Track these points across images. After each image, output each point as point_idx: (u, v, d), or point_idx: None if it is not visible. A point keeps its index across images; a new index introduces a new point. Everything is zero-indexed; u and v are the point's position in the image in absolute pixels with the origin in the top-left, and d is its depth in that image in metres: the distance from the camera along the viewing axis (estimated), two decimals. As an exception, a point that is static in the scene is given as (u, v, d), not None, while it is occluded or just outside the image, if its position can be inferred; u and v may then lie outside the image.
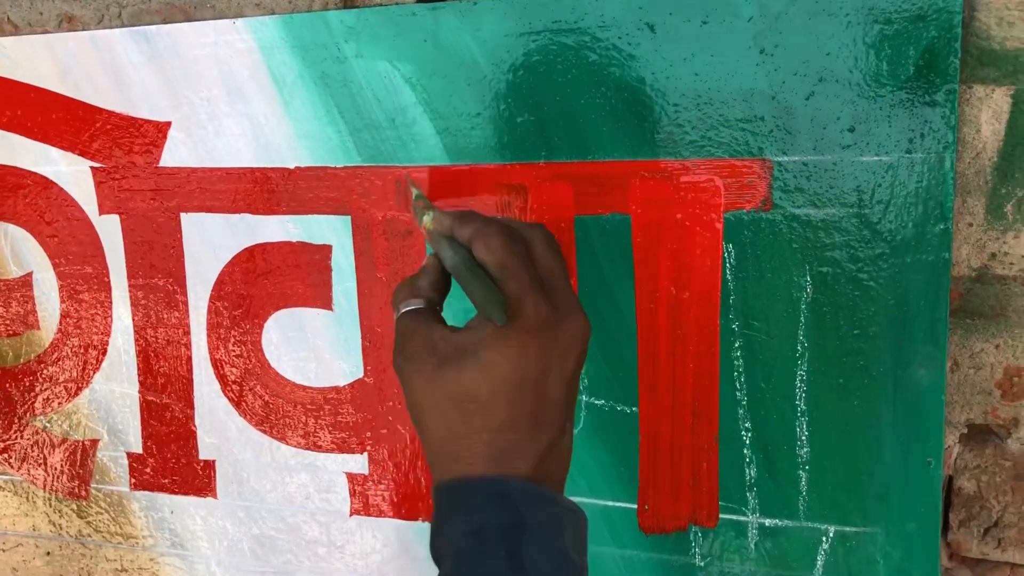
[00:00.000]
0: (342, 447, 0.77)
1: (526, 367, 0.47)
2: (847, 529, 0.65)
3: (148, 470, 0.84)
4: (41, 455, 0.88)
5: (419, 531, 0.76)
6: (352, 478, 0.77)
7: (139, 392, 0.83)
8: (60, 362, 0.86)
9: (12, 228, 0.84)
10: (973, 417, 0.65)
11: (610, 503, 0.70)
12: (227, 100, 0.75)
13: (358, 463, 0.77)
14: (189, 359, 0.81)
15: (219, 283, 0.78)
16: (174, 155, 0.77)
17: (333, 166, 0.73)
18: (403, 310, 0.53)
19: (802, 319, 0.63)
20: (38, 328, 0.86)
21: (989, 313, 0.63)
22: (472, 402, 0.47)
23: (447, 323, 0.53)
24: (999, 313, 0.63)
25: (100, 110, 0.79)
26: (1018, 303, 0.63)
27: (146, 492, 0.85)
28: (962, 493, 0.67)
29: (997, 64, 0.59)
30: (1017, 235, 0.61)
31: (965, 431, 0.66)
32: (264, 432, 0.79)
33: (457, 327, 0.51)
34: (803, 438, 0.65)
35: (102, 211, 0.81)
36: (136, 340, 0.82)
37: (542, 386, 0.48)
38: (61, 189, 0.82)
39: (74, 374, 0.85)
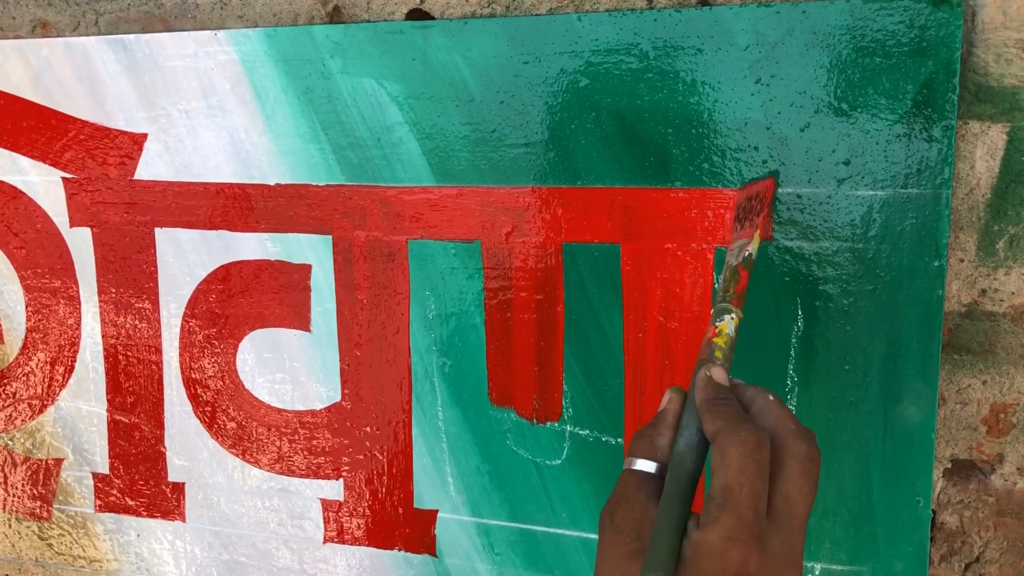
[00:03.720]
0: (317, 472, 0.75)
1: None
2: (834, 567, 0.64)
3: (114, 491, 0.81)
4: (1, 474, 0.85)
5: (394, 560, 0.74)
6: (327, 504, 0.75)
7: (107, 411, 0.80)
8: (25, 378, 0.83)
9: (-22, 238, 0.82)
10: (958, 452, 0.65)
11: (591, 536, 0.69)
12: (206, 113, 0.73)
13: (333, 489, 0.75)
14: (160, 378, 0.78)
15: (193, 300, 0.76)
16: (150, 168, 0.75)
17: (315, 184, 0.71)
18: (634, 468, 0.48)
19: (792, 353, 0.62)
20: (2, 342, 0.83)
21: (977, 349, 0.63)
22: None
23: None
24: (987, 349, 0.63)
25: (73, 119, 0.77)
26: (1006, 340, 0.62)
27: (112, 514, 0.82)
28: (944, 528, 0.66)
29: (994, 101, 0.58)
30: (1008, 272, 0.61)
31: (949, 466, 0.65)
32: (236, 455, 0.77)
33: None
34: (791, 474, 0.64)
35: (73, 223, 0.78)
36: (105, 357, 0.80)
37: None
38: (30, 200, 0.79)
39: (39, 390, 0.82)
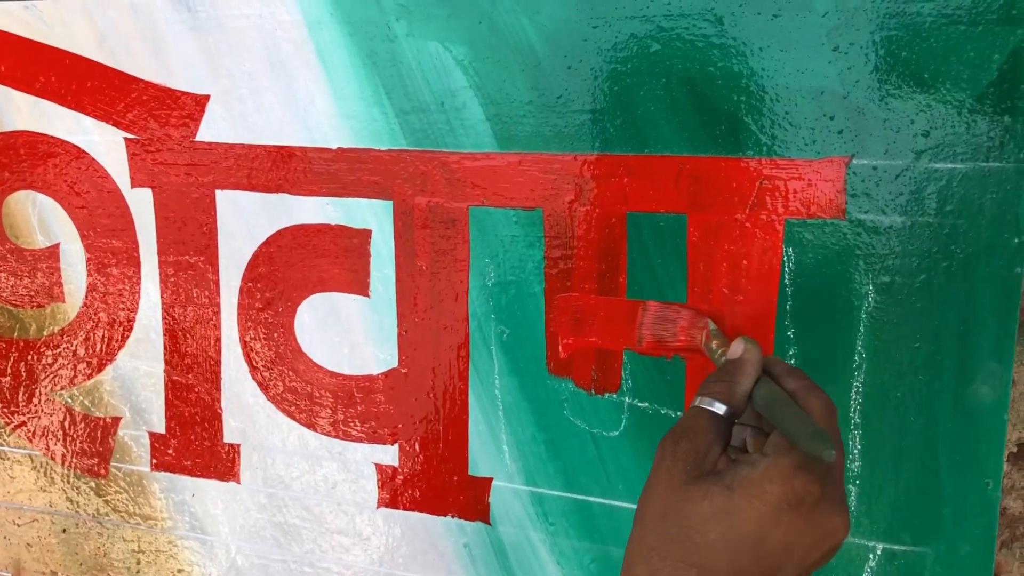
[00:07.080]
0: (372, 437, 0.75)
1: (767, 532, 0.45)
2: (895, 547, 0.63)
3: (170, 451, 0.82)
4: (61, 430, 0.86)
5: (447, 526, 0.74)
6: (381, 469, 0.75)
7: (164, 371, 0.81)
8: (84, 337, 0.84)
9: (41, 197, 0.82)
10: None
11: (647, 508, 0.68)
12: (269, 75, 0.72)
13: (388, 454, 0.75)
14: (218, 340, 0.79)
15: (253, 263, 0.76)
16: (212, 129, 0.75)
17: (377, 148, 0.70)
18: (707, 406, 0.51)
19: (862, 328, 0.61)
20: (63, 301, 0.84)
21: (1051, 332, 0.61)
22: (698, 534, 0.46)
23: (721, 437, 0.50)
24: (1061, 333, 0.61)
25: (137, 80, 0.77)
26: (1082, 322, 0.61)
27: (167, 473, 0.83)
28: (1007, 513, 0.65)
29: (1083, 72, 0.56)
30: (1088, 252, 0.59)
31: (1015, 450, 0.64)
32: (292, 418, 0.77)
33: (733, 457, 0.49)
34: (856, 451, 0.62)
35: (134, 184, 0.79)
36: (164, 318, 0.80)
37: (774, 558, 0.45)
38: (93, 159, 0.80)
39: (98, 350, 0.83)
